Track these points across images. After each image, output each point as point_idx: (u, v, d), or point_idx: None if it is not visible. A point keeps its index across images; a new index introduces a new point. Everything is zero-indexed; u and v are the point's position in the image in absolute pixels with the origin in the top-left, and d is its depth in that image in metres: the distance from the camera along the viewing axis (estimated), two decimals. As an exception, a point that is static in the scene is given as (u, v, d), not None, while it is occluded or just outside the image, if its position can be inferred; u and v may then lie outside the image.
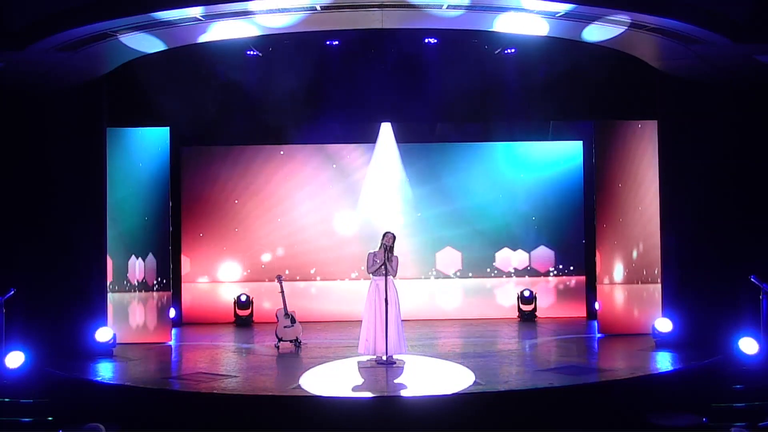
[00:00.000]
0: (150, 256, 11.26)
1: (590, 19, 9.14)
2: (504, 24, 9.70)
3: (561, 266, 13.42)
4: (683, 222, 10.48)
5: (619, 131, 11.35)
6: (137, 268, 11.24)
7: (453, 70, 11.32)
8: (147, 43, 9.70)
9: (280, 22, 9.50)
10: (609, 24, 9.27)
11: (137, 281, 11.25)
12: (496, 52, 11.10)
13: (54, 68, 9.56)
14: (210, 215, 13.24)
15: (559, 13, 9.05)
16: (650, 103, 10.93)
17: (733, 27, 8.65)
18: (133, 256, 11.22)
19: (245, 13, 9.06)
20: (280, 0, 8.82)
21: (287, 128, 12.75)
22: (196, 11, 8.85)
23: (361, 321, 9.51)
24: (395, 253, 9.38)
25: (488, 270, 13.44)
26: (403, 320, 9.52)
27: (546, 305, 13.34)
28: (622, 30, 9.25)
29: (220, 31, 9.65)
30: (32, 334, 9.19)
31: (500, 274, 13.44)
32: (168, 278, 11.36)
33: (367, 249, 9.57)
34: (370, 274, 9.43)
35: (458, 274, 13.44)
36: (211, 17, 9.11)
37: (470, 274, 13.44)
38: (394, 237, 9.38)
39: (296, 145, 13.33)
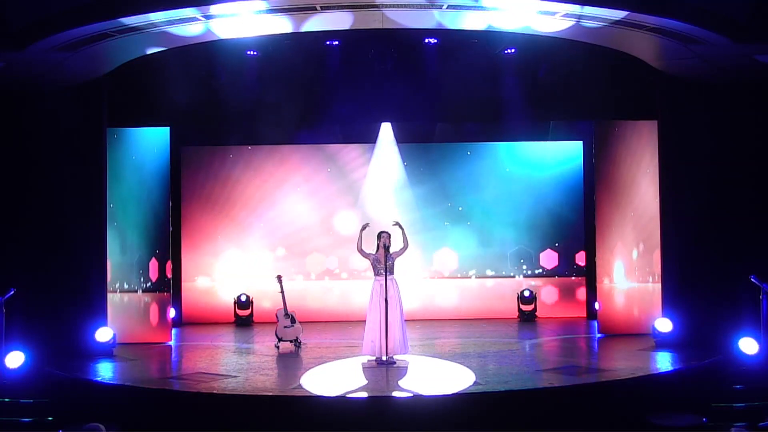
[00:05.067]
0: (150, 256, 11.25)
1: (590, 19, 9.13)
2: (503, 22, 9.69)
3: (561, 266, 13.42)
4: (683, 222, 10.50)
5: (619, 131, 11.35)
6: (137, 267, 11.23)
7: (453, 70, 11.32)
8: (150, 43, 9.72)
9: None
10: (606, 22, 9.28)
11: (137, 281, 11.24)
12: (496, 52, 11.11)
13: (54, 68, 9.56)
14: (210, 215, 13.24)
15: (559, 13, 9.05)
16: (650, 103, 10.93)
17: (733, 27, 8.64)
18: (133, 256, 11.22)
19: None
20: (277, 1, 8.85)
21: (287, 128, 12.75)
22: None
23: (363, 321, 9.51)
24: (393, 251, 9.41)
25: (488, 270, 13.44)
26: (405, 320, 9.52)
27: (546, 305, 13.34)
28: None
29: (227, 30, 9.67)
30: (32, 334, 9.20)
31: (500, 273, 13.43)
32: (168, 278, 11.36)
33: (367, 249, 9.55)
34: (373, 275, 9.47)
35: (457, 273, 13.43)
36: (208, 17, 9.11)
37: (470, 274, 13.44)
38: (389, 236, 9.41)
39: (296, 145, 13.33)
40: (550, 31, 9.71)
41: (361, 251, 9.48)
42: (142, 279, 11.25)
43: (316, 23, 9.61)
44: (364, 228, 9.55)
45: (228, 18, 9.15)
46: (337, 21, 9.54)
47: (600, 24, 9.19)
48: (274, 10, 9.09)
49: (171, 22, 9.04)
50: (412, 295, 12.63)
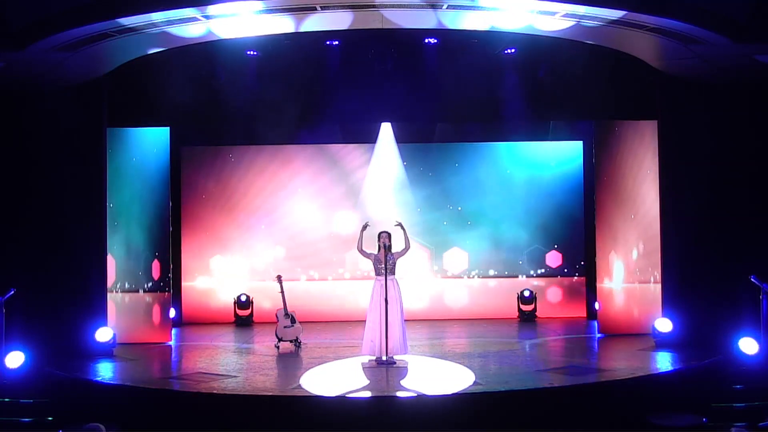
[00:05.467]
0: (150, 256, 11.25)
1: (590, 19, 9.13)
2: (503, 22, 9.69)
3: (561, 266, 13.42)
4: (683, 222, 10.50)
5: (619, 131, 11.35)
6: (137, 268, 11.23)
7: (453, 70, 11.31)
8: (150, 42, 9.70)
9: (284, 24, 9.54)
10: (605, 22, 9.27)
11: (137, 281, 11.24)
12: (496, 52, 11.10)
13: (54, 68, 9.56)
14: (210, 215, 13.24)
15: (558, 13, 9.05)
16: (650, 103, 10.93)
17: (733, 27, 8.65)
18: (133, 256, 11.22)
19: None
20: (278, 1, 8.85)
21: (287, 128, 12.74)
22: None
23: (364, 321, 9.51)
24: (395, 252, 9.42)
25: (488, 270, 13.44)
26: (405, 320, 9.52)
27: (546, 305, 13.34)
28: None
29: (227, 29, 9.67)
30: (32, 334, 9.20)
31: (500, 274, 13.43)
32: (168, 278, 11.36)
33: (367, 249, 9.57)
34: (374, 275, 9.48)
35: (458, 273, 13.43)
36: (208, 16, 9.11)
37: (470, 275, 13.44)
38: (389, 236, 9.42)
39: (296, 145, 13.32)
40: (550, 30, 9.69)
41: (361, 251, 9.49)
42: (142, 279, 11.25)
43: (316, 23, 9.61)
44: (364, 228, 9.56)
45: (227, 18, 9.14)
46: (337, 20, 9.54)
47: (599, 24, 9.19)
48: (273, 10, 9.09)
49: (171, 22, 9.04)
50: (413, 295, 12.62)
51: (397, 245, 9.50)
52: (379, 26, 9.55)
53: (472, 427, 7.48)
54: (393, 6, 9.01)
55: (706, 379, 8.59)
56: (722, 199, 10.33)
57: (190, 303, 13.21)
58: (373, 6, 8.96)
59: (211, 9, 8.74)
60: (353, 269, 13.21)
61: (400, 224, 9.58)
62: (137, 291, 11.25)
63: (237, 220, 13.28)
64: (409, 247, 9.55)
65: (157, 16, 8.75)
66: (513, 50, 11.05)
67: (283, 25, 9.62)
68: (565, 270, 13.40)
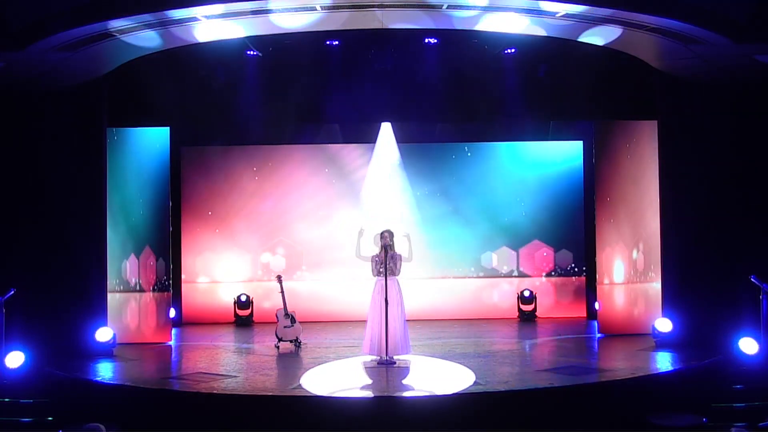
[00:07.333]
0: (150, 256, 11.25)
1: (591, 21, 9.12)
2: (501, 24, 9.69)
3: (561, 266, 13.42)
4: (683, 222, 10.49)
5: (619, 131, 11.33)
6: (137, 268, 11.23)
7: (453, 70, 11.32)
8: (148, 41, 9.70)
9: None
10: (606, 26, 9.26)
11: (137, 281, 11.24)
12: (496, 52, 11.10)
13: (54, 68, 9.56)
14: (210, 215, 13.24)
15: (559, 13, 9.04)
16: (650, 103, 10.93)
17: (733, 27, 8.65)
18: (133, 256, 11.22)
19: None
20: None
21: (287, 128, 12.75)
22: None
23: (364, 321, 9.51)
24: (398, 252, 9.40)
25: (488, 270, 13.44)
26: (407, 320, 9.51)
27: (546, 305, 13.33)
28: (619, 32, 9.25)
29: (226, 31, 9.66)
30: (32, 334, 9.20)
31: (500, 274, 13.43)
32: (168, 278, 11.35)
33: (366, 254, 9.55)
34: (374, 276, 9.46)
35: (458, 273, 13.43)
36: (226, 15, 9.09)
37: (470, 274, 13.44)
38: (391, 234, 9.39)
39: (296, 145, 13.32)
40: (552, 21, 9.66)
41: (361, 257, 9.45)
42: (142, 279, 11.24)
43: (317, 23, 9.61)
44: (360, 234, 9.51)
45: (227, 18, 9.16)
46: (337, 20, 9.55)
47: (597, 23, 9.20)
48: (273, 10, 9.09)
49: (171, 23, 9.05)
50: (412, 295, 12.58)
51: (401, 251, 9.46)
52: (379, 26, 9.56)
53: (472, 427, 7.48)
54: (393, 6, 9.01)
55: (706, 379, 8.59)
56: (722, 199, 10.32)
57: (190, 303, 13.21)
58: (372, 6, 8.96)
59: (204, 9, 8.75)
60: (353, 269, 13.14)
61: (407, 236, 9.53)
62: (137, 291, 11.24)
63: (237, 219, 13.27)
64: (412, 260, 9.52)
65: (155, 17, 8.76)
66: (513, 50, 11.05)
67: (283, 25, 9.63)
68: (565, 270, 13.38)
